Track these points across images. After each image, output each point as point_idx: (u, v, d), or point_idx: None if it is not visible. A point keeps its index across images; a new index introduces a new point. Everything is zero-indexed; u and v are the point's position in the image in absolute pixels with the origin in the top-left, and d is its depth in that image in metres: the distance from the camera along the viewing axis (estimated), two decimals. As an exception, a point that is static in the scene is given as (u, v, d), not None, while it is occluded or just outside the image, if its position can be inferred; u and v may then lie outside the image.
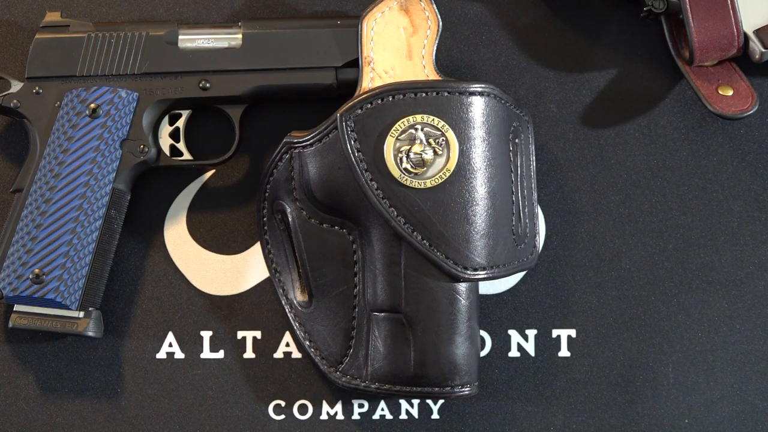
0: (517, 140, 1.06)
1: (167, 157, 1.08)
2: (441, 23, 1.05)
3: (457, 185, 1.01)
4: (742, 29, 1.06)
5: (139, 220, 1.10)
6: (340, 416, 1.09)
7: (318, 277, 1.06)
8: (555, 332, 1.10)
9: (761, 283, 1.10)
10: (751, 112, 1.07)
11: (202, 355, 1.09)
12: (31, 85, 1.05)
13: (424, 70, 1.05)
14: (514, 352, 1.10)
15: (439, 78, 1.04)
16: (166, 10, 1.12)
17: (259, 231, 1.09)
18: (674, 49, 1.10)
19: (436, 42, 1.05)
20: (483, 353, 1.09)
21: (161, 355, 1.09)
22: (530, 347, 1.10)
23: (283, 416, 1.09)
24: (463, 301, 1.02)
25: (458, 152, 1.01)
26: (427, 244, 1.01)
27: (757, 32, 1.06)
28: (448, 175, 1.01)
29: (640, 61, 1.12)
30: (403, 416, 1.09)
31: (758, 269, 1.10)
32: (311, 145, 1.04)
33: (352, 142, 1.01)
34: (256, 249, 1.10)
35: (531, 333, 1.10)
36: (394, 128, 1.01)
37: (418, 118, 1.01)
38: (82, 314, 1.04)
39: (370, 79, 1.04)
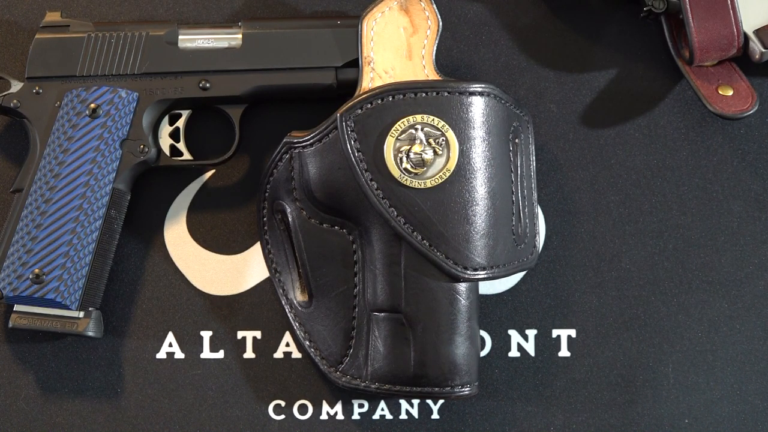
0: (517, 140, 1.06)
1: (167, 157, 1.08)
2: (441, 23, 1.05)
3: (457, 185, 1.01)
4: (742, 29, 1.06)
5: (139, 220, 1.10)
6: (340, 416, 1.09)
7: (318, 277, 1.06)
8: (555, 332, 1.10)
9: (761, 283, 1.10)
10: (751, 112, 1.07)
11: (202, 355, 1.09)
12: (31, 85, 1.05)
13: (424, 70, 1.05)
14: (514, 352, 1.10)
15: (439, 78, 1.04)
16: (166, 10, 1.12)
17: (259, 231, 1.09)
18: (674, 49, 1.10)
19: (436, 42, 1.05)
20: (483, 353, 1.09)
21: (161, 355, 1.09)
22: (530, 347, 1.10)
23: (283, 416, 1.09)
24: (463, 301, 1.02)
25: (458, 152, 1.01)
26: (427, 244, 1.01)
27: (757, 32, 1.06)
28: (448, 175, 1.01)
29: (640, 61, 1.12)
30: (403, 416, 1.09)
31: (758, 269, 1.10)
32: (311, 145, 1.04)
33: (352, 142, 1.01)
34: (256, 249, 1.10)
35: (531, 333, 1.10)
36: (394, 128, 1.01)
37: (418, 118, 1.01)
38: (82, 314, 1.04)
39: (370, 79, 1.04)
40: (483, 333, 1.09)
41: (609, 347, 1.09)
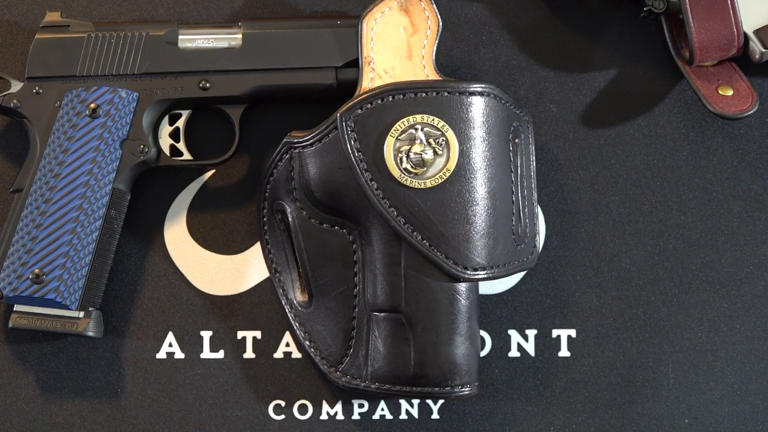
0: (517, 140, 1.06)
1: (167, 157, 1.08)
2: (441, 23, 1.05)
3: (457, 185, 1.01)
4: (742, 29, 1.06)
5: (139, 220, 1.10)
6: (340, 416, 1.09)
7: (318, 277, 1.06)
8: (555, 332, 1.10)
9: (761, 283, 1.10)
10: (751, 112, 1.07)
11: (202, 355, 1.09)
12: (31, 85, 1.05)
13: (424, 70, 1.05)
14: (514, 352, 1.10)
15: (439, 78, 1.04)
16: (166, 10, 1.12)
17: (259, 231, 1.09)
18: (674, 49, 1.10)
19: (436, 42, 1.05)
20: (483, 353, 1.09)
21: (161, 355, 1.09)
22: (530, 347, 1.10)
23: (283, 416, 1.09)
24: (463, 301, 1.02)
25: (458, 152, 1.01)
26: (427, 244, 1.01)
27: (757, 32, 1.06)
28: (448, 175, 1.01)
29: (640, 61, 1.12)
30: (403, 416, 1.09)
31: (758, 269, 1.10)
32: (311, 145, 1.04)
33: (352, 142, 1.01)
34: (256, 249, 1.10)
35: (531, 333, 1.10)
36: (394, 128, 1.01)
37: (418, 118, 1.01)
38: (82, 314, 1.04)
39: (370, 79, 1.04)
40: (483, 333, 1.09)
41: (609, 347, 1.09)
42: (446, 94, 1.02)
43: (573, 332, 1.10)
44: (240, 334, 1.09)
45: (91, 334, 1.04)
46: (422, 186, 1.01)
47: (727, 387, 1.09)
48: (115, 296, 1.09)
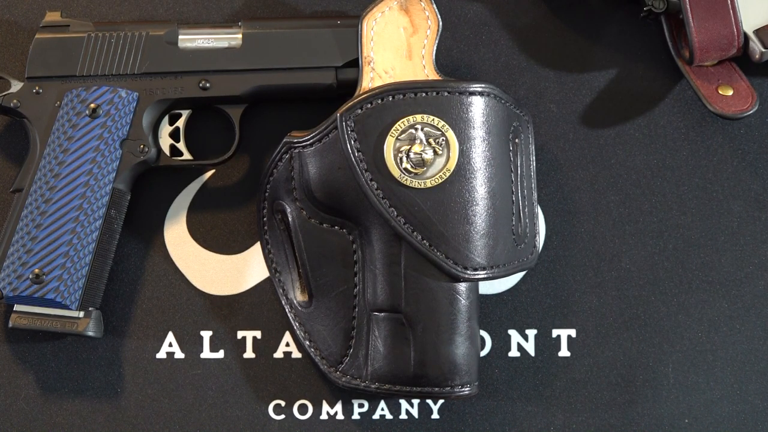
0: (517, 140, 1.06)
1: (167, 157, 1.08)
2: (441, 23, 1.05)
3: (457, 185, 1.01)
4: (742, 29, 1.06)
5: (139, 220, 1.10)
6: (340, 416, 1.09)
7: (318, 277, 1.06)
8: (555, 332, 1.10)
9: (761, 283, 1.10)
10: (751, 112, 1.07)
11: (202, 355, 1.09)
12: (31, 85, 1.05)
13: (424, 70, 1.05)
14: (514, 352, 1.10)
15: (439, 78, 1.04)
16: (166, 10, 1.12)
17: (259, 231, 1.09)
18: (674, 49, 1.10)
19: (436, 42, 1.05)
20: (483, 353, 1.09)
21: (161, 355, 1.09)
22: (530, 347, 1.10)
23: (283, 416, 1.09)
24: (463, 301, 1.02)
25: (458, 152, 1.01)
26: (427, 244, 1.01)
27: (757, 32, 1.06)
28: (448, 175, 1.01)
29: (640, 61, 1.12)
30: (403, 416, 1.09)
31: (758, 269, 1.10)
32: (311, 145, 1.04)
33: (352, 142, 1.01)
34: (256, 249, 1.10)
35: (531, 333, 1.10)
36: (394, 128, 1.01)
37: (418, 118, 1.01)
38: (82, 314, 1.04)
39: (370, 79, 1.04)
40: (483, 333, 1.09)
41: (609, 347, 1.09)
42: (446, 94, 1.02)
43: (573, 332, 1.10)
44: (240, 334, 1.09)
45: (91, 334, 1.04)
46: (422, 186, 1.01)
47: (727, 387, 1.09)
48: (115, 296, 1.09)
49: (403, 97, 1.01)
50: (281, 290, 1.08)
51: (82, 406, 1.08)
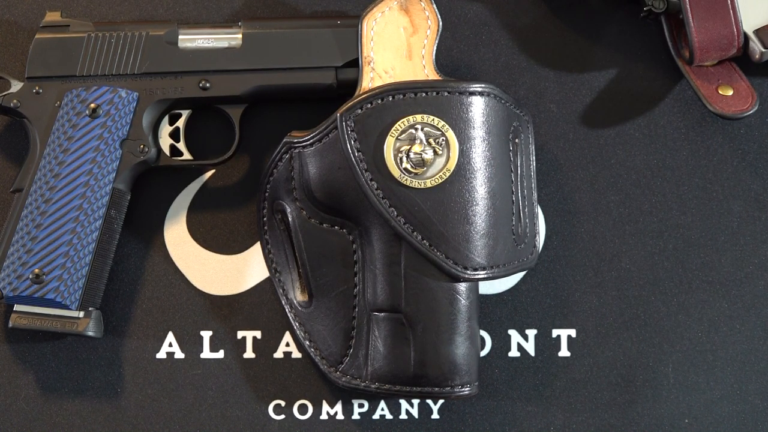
0: (517, 140, 1.06)
1: (167, 157, 1.08)
2: (441, 23, 1.05)
3: (457, 185, 1.01)
4: (742, 29, 1.06)
5: (139, 220, 1.10)
6: (340, 416, 1.09)
7: (318, 277, 1.06)
8: (555, 332, 1.10)
9: (761, 283, 1.10)
10: (751, 112, 1.07)
11: (202, 355, 1.09)
12: (31, 85, 1.05)
13: (424, 70, 1.05)
14: (514, 352, 1.10)
15: (439, 78, 1.04)
16: (166, 10, 1.12)
17: (259, 231, 1.09)
18: (674, 49, 1.10)
19: (436, 42, 1.05)
20: (483, 353, 1.09)
21: (161, 355, 1.09)
22: (530, 347, 1.10)
23: (283, 416, 1.09)
24: (463, 301, 1.02)
25: (458, 152, 1.01)
26: (427, 244, 1.01)
27: (757, 32, 1.06)
28: (448, 175, 1.01)
29: (640, 61, 1.12)
30: (403, 416, 1.09)
31: (758, 269, 1.10)
32: (311, 145, 1.04)
33: (352, 142, 1.01)
34: (256, 249, 1.10)
35: (531, 333, 1.10)
36: (394, 128, 1.01)
37: (418, 118, 1.01)
38: (82, 314, 1.04)
39: (370, 79, 1.04)
40: (483, 333, 1.09)
41: (609, 347, 1.09)
42: (446, 94, 1.02)
43: (573, 332, 1.10)
44: (240, 334, 1.09)
45: (91, 334, 1.04)
46: (422, 186, 1.01)
47: (727, 387, 1.09)
48: (115, 296, 1.09)
49: (403, 97, 1.01)
50: (281, 290, 1.08)
51: (82, 406, 1.08)
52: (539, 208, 1.10)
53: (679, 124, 1.11)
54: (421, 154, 1.01)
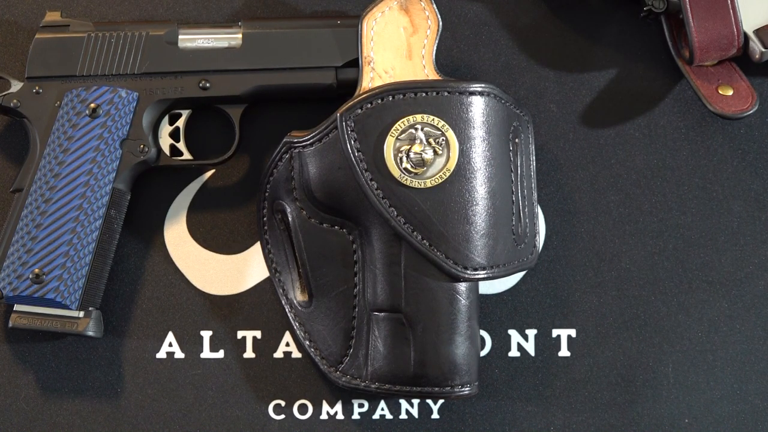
0: (517, 140, 1.06)
1: (167, 157, 1.08)
2: (441, 23, 1.05)
3: (457, 185, 1.01)
4: (742, 29, 1.06)
5: (139, 220, 1.10)
6: (340, 416, 1.09)
7: (318, 277, 1.06)
8: (555, 332, 1.10)
9: (761, 283, 1.10)
10: (751, 112, 1.07)
11: (202, 355, 1.09)
12: (31, 85, 1.05)
13: (424, 70, 1.05)
14: (514, 352, 1.10)
15: (439, 78, 1.04)
16: (166, 10, 1.12)
17: (259, 231, 1.09)
18: (674, 49, 1.10)
19: (436, 42, 1.05)
20: (483, 353, 1.09)
21: (161, 355, 1.09)
22: (530, 347, 1.10)
23: (283, 416, 1.09)
24: (463, 301, 1.02)
25: (458, 152, 1.01)
26: (427, 244, 1.01)
27: (757, 32, 1.06)
28: (448, 174, 1.01)
29: (640, 61, 1.12)
30: (403, 416, 1.09)
31: (758, 269, 1.10)
32: (311, 144, 1.04)
33: (352, 142, 1.01)
34: (256, 249, 1.10)
35: (531, 333, 1.10)
36: (394, 128, 1.01)
37: (418, 117, 1.01)
38: (82, 314, 1.04)
39: (370, 79, 1.04)
40: (483, 333, 1.09)
41: (609, 347, 1.09)
42: (446, 93, 1.02)
43: (573, 332, 1.10)
44: (240, 334, 1.09)
45: (91, 334, 1.04)
46: (422, 186, 1.01)
47: (727, 387, 1.09)
48: (115, 296, 1.09)
49: (403, 97, 1.01)
50: (281, 290, 1.08)
51: (82, 406, 1.08)
52: (539, 208, 1.10)
53: (679, 124, 1.11)
54: (421, 154, 1.01)
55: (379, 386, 1.03)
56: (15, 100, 1.05)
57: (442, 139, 1.01)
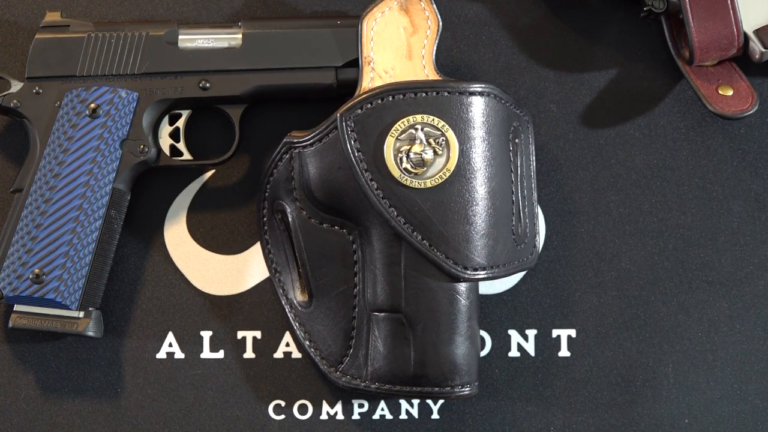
0: (517, 140, 1.06)
1: (167, 157, 1.08)
2: (441, 23, 1.05)
3: (457, 185, 1.01)
4: (742, 29, 1.06)
5: (139, 220, 1.10)
6: (340, 416, 1.09)
7: (318, 277, 1.06)
8: (555, 332, 1.10)
9: (761, 283, 1.10)
10: (751, 112, 1.07)
11: (202, 355, 1.09)
12: (31, 85, 1.05)
13: (424, 70, 1.05)
14: (514, 352, 1.10)
15: (439, 78, 1.04)
16: (166, 10, 1.12)
17: (259, 231, 1.09)
18: (674, 49, 1.10)
19: (436, 42, 1.05)
20: (483, 353, 1.09)
21: (161, 355, 1.09)
22: (530, 347, 1.10)
23: (283, 416, 1.09)
24: (463, 301, 1.02)
25: (458, 152, 1.01)
26: (427, 244, 1.01)
27: (757, 32, 1.06)
28: (448, 175, 1.01)
29: (640, 61, 1.12)
30: (403, 416, 1.09)
31: (758, 269, 1.10)
32: (311, 145, 1.04)
33: (352, 142, 1.01)
34: (256, 249, 1.10)
35: (531, 333, 1.10)
36: (394, 128, 1.01)
37: (418, 118, 1.01)
38: (82, 314, 1.04)
39: (370, 79, 1.04)
40: (483, 333, 1.09)
41: (609, 347, 1.09)
42: (446, 94, 1.02)
43: (573, 332, 1.10)
44: (240, 334, 1.09)
45: (91, 334, 1.04)
46: (422, 186, 1.01)
47: (727, 387, 1.09)
48: (115, 296, 1.09)
49: (403, 97, 1.01)
50: (281, 290, 1.08)
51: (82, 406, 1.08)
52: (539, 208, 1.10)
53: (679, 124, 1.11)
54: (421, 154, 1.01)
55: (379, 386, 1.03)
56: (15, 101, 1.05)
57: (442, 140, 1.01)
